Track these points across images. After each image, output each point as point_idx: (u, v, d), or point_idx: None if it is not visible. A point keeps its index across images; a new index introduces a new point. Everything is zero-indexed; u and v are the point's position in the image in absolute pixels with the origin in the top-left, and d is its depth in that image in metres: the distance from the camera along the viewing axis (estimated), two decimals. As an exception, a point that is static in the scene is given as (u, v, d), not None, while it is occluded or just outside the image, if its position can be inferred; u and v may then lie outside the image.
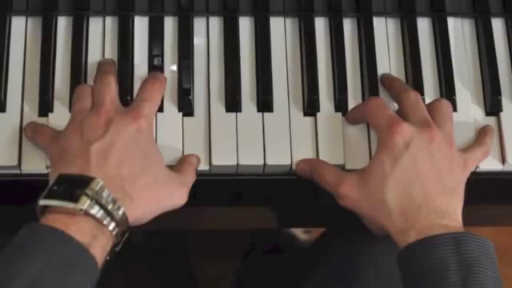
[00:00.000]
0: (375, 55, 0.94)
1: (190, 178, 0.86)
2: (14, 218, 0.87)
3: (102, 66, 0.90)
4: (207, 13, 0.95)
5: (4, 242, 0.74)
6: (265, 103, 0.91)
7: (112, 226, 0.76)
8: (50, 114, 0.89)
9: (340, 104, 0.92)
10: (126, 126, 0.82)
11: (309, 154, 0.90)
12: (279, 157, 0.89)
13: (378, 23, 0.96)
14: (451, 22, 0.97)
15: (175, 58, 0.93)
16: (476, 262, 0.78)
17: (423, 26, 0.97)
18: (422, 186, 0.83)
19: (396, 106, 0.92)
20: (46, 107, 0.89)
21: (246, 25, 0.95)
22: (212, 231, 1.13)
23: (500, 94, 0.93)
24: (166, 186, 0.83)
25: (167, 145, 0.88)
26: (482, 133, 0.92)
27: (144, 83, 0.88)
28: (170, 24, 0.94)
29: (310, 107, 0.91)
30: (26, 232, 0.74)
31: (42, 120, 0.89)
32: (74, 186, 0.76)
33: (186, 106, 0.90)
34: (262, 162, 0.89)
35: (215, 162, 0.88)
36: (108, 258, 0.77)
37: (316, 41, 0.94)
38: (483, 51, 0.96)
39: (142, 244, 1.40)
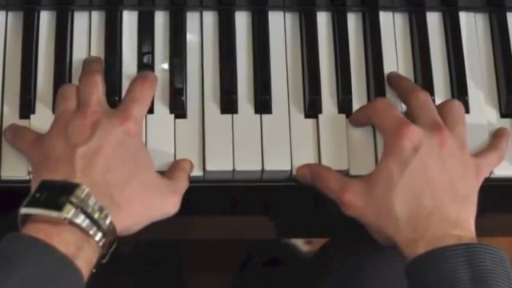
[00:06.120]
0: (382, 53, 0.94)
1: (183, 185, 0.86)
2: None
3: (87, 64, 0.90)
4: (201, 7, 0.95)
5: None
6: (263, 104, 0.91)
7: (98, 236, 0.77)
8: (31, 116, 0.89)
9: (344, 105, 0.92)
10: (114, 128, 0.82)
11: (310, 158, 0.90)
12: (278, 162, 0.90)
13: (385, 18, 0.97)
14: (463, 16, 0.98)
15: (166, 55, 0.93)
16: (490, 275, 0.78)
17: (433, 21, 0.97)
18: (432, 194, 0.83)
19: (404, 107, 0.92)
20: (27, 108, 0.89)
21: (242, 20, 0.95)
22: (206, 242, 1.13)
23: (516, 95, 0.94)
24: (157, 193, 0.83)
25: (158, 149, 0.88)
26: (496, 136, 0.92)
27: (133, 83, 0.88)
28: (160, 19, 0.95)
29: (312, 108, 0.92)
30: (7, 243, 0.74)
31: (23, 122, 0.89)
32: (57, 194, 0.76)
33: (178, 107, 0.91)
34: (259, 168, 0.89)
35: (209, 168, 0.89)
36: (94, 270, 0.78)
37: (318, 37, 0.95)
38: (498, 48, 0.96)
39: (130, 255, 1.40)
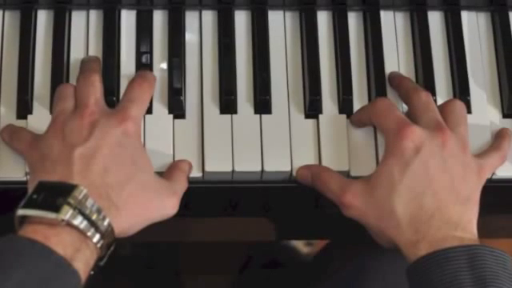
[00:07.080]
0: (383, 52, 0.94)
1: (182, 186, 0.86)
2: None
3: (85, 63, 0.90)
4: (200, 6, 0.95)
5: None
6: (263, 104, 0.91)
7: (96, 237, 0.77)
8: (28, 116, 0.89)
9: (344, 105, 0.92)
10: (112, 129, 0.82)
11: (310, 159, 0.90)
12: (278, 163, 0.89)
13: (386, 17, 0.97)
14: (465, 15, 0.98)
15: (165, 55, 0.93)
16: (492, 277, 0.78)
17: (435, 20, 0.97)
18: (434, 195, 0.83)
19: (405, 107, 0.92)
20: (24, 108, 0.89)
21: (242, 19, 0.95)
22: (204, 244, 1.13)
23: (518, 95, 0.94)
24: (155, 194, 0.83)
25: (156, 149, 0.88)
26: (498, 136, 0.92)
27: (131, 83, 0.88)
28: (159, 18, 0.95)
29: (312, 109, 0.92)
30: (3, 245, 0.74)
31: (21, 123, 0.89)
32: (55, 195, 0.76)
33: (176, 108, 0.91)
34: (259, 169, 0.89)
35: (209, 169, 0.89)
36: (92, 272, 0.78)
37: (318, 37, 0.94)
38: (500, 48, 0.96)
39: (128, 257, 1.40)
